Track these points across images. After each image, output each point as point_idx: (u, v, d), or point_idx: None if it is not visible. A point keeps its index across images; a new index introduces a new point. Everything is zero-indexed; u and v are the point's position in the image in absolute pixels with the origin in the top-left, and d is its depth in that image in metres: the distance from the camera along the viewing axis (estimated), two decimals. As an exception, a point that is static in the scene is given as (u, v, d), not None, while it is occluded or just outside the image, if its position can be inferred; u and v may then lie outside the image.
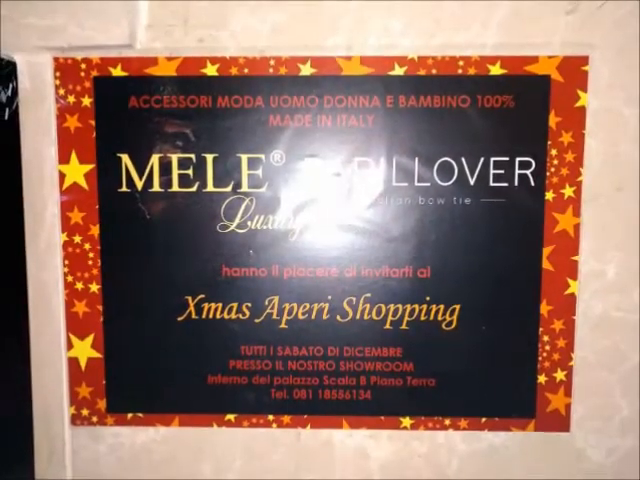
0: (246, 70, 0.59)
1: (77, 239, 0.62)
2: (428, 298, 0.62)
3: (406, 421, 0.64)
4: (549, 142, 0.59)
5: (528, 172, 0.60)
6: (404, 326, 0.62)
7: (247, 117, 0.60)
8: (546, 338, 0.62)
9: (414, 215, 0.61)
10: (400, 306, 0.62)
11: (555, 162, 0.59)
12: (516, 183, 0.60)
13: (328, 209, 0.61)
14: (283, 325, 0.63)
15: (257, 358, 0.63)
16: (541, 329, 0.61)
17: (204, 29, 0.58)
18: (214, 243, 0.61)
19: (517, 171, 0.60)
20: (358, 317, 0.62)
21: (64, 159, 0.61)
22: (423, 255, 0.61)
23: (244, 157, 0.60)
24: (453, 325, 0.62)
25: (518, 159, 0.59)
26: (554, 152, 0.59)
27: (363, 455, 0.64)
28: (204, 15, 0.58)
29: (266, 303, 0.62)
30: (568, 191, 0.60)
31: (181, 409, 0.64)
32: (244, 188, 0.61)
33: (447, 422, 0.63)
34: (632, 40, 0.57)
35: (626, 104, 0.58)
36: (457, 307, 0.62)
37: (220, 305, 0.62)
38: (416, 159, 0.60)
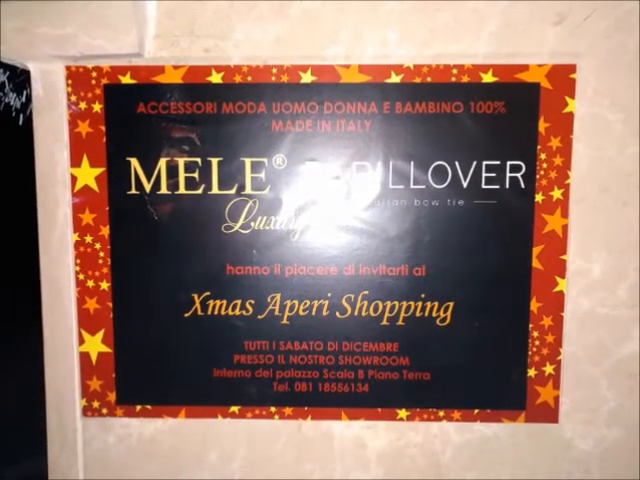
0: (249, 78, 0.61)
1: (88, 239, 0.64)
2: (423, 295, 0.64)
3: (402, 413, 0.66)
4: (539, 146, 0.61)
5: (519, 175, 0.62)
6: (400, 322, 0.64)
7: (250, 123, 0.62)
8: (536, 334, 0.64)
9: (410, 216, 0.63)
10: (396, 303, 0.64)
11: (544, 166, 0.61)
12: (507, 186, 0.62)
13: (328, 210, 0.63)
14: (285, 321, 0.65)
15: (260, 353, 0.65)
16: (531, 325, 0.64)
17: (209, 39, 0.60)
18: (219, 243, 0.63)
19: (508, 174, 0.62)
20: (356, 313, 0.64)
21: (76, 163, 0.63)
22: (418, 254, 0.63)
23: (248, 161, 0.62)
24: (447, 321, 0.64)
25: (509, 163, 0.62)
26: (543, 156, 0.61)
27: (361, 445, 0.66)
28: (209, 26, 0.60)
29: (268, 300, 0.64)
30: (557, 193, 0.62)
31: (187, 401, 0.66)
32: (248, 190, 0.63)
33: (441, 414, 0.66)
34: (617, 49, 0.59)
35: (611, 110, 0.60)
36: (451, 304, 0.64)
37: (225, 302, 0.64)
38: (412, 163, 0.62)
